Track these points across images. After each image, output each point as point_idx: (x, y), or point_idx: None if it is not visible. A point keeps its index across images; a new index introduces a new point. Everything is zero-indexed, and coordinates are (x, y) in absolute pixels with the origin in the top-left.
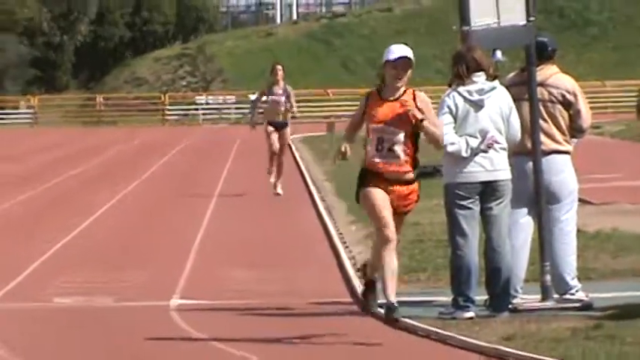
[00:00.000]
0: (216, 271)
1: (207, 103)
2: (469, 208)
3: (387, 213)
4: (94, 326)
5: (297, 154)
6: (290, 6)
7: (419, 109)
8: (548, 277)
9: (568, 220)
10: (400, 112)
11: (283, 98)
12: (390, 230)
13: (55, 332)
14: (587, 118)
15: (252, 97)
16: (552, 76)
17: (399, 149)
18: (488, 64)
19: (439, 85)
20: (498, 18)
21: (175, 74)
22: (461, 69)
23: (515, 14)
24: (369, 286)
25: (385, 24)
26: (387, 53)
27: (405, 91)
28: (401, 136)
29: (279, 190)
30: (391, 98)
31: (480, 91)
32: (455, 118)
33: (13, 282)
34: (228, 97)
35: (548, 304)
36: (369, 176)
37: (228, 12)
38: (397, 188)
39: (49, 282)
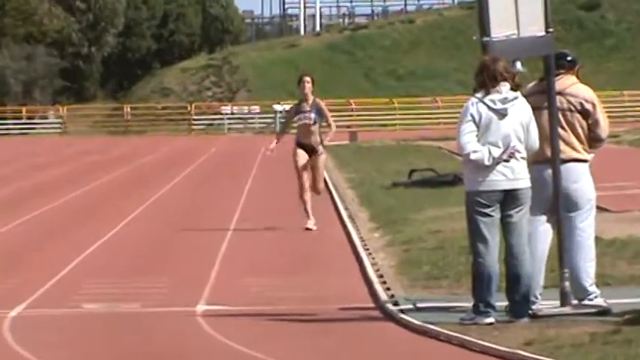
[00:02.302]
0: (241, 278)
1: (233, 113)
2: (490, 216)
3: None
4: (121, 332)
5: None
6: (313, 17)
7: None
8: (567, 284)
9: (586, 227)
10: None
11: (313, 115)
12: None
13: (83, 338)
14: (605, 127)
15: (276, 107)
16: (571, 85)
17: None
18: (512, 74)
19: (460, 94)
20: (518, 29)
21: (201, 85)
22: (487, 79)
23: (534, 25)
24: None
25: (407, 35)
26: None
27: None
28: None
29: (310, 224)
30: None
31: (504, 100)
32: (478, 126)
33: (43, 288)
34: (252, 107)
35: (567, 309)
36: None
37: (253, 23)
38: None
39: (78, 288)
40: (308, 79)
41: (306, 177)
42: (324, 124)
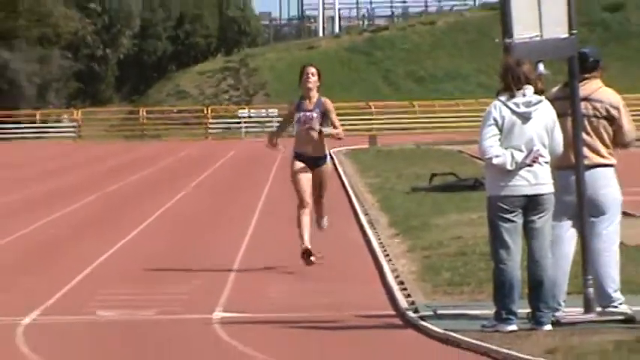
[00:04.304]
0: (259, 284)
1: (250, 117)
2: (512, 221)
3: None
4: (136, 340)
5: (339, 168)
6: (332, 19)
7: None
8: (591, 290)
9: (611, 233)
10: None
11: (316, 116)
12: None
13: (98, 347)
14: (629, 132)
15: None
16: (597, 90)
17: None
18: (536, 77)
19: (482, 97)
20: (541, 31)
21: (218, 87)
22: (511, 81)
23: (557, 27)
24: None
25: (427, 37)
26: None
27: None
28: None
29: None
30: None
31: (528, 104)
32: (500, 129)
33: (57, 295)
34: (270, 110)
35: (591, 316)
36: None
37: (271, 25)
38: None
39: (92, 295)
40: (312, 70)
41: (305, 196)
42: (333, 132)
